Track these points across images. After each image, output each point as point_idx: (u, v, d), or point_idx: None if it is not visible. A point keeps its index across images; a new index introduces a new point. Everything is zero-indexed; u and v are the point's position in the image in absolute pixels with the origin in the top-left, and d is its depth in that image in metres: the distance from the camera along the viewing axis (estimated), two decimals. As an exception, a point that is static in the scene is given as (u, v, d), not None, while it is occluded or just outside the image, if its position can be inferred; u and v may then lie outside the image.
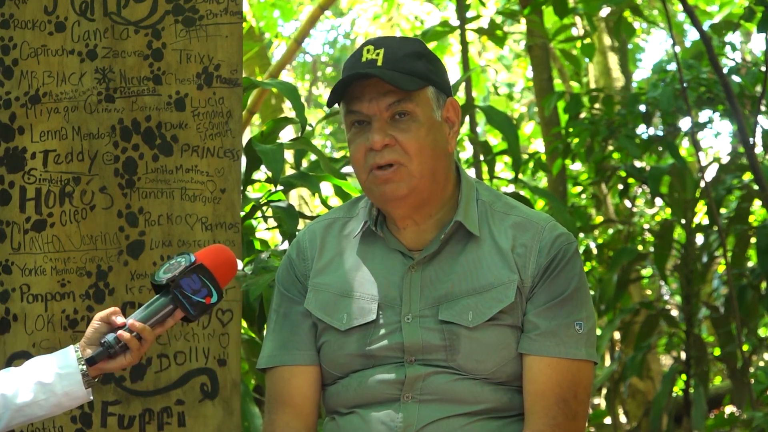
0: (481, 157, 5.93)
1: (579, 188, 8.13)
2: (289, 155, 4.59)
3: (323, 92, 15.37)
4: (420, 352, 2.56)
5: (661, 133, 6.78)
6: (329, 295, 2.65)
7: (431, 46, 7.17)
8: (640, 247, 7.07)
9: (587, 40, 6.97)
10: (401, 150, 2.55)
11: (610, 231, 7.65)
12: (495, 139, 11.10)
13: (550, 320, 2.56)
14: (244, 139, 3.96)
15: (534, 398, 2.55)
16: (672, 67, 6.89)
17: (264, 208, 4.27)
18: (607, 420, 8.28)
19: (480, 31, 6.77)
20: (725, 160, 7.05)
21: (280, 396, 2.66)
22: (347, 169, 4.55)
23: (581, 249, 6.97)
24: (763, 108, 6.33)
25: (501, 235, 2.61)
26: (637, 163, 6.77)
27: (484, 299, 2.56)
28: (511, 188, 6.00)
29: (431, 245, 2.61)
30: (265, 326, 3.14)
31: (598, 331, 6.50)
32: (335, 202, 5.25)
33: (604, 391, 8.06)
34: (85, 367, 2.46)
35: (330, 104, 2.62)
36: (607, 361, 8.51)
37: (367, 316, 2.60)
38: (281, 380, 2.67)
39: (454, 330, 2.55)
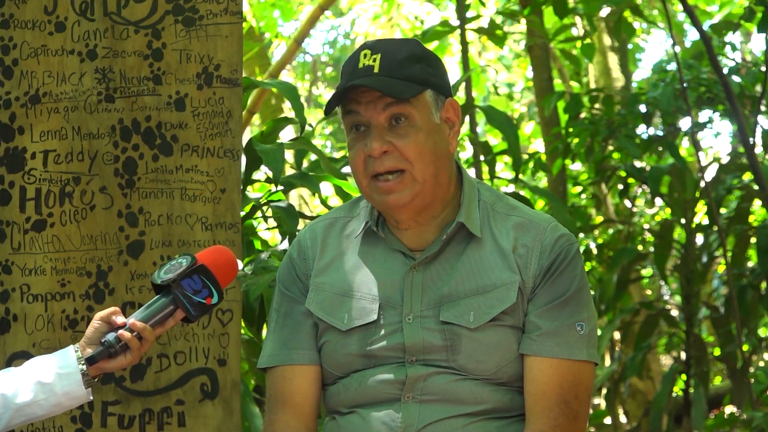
0: (481, 157, 5.93)
1: (579, 188, 8.12)
2: (289, 155, 4.59)
3: (323, 92, 15.36)
4: (421, 352, 2.56)
5: (661, 133, 6.78)
6: (330, 295, 2.64)
7: (431, 46, 7.17)
8: (640, 247, 7.07)
9: (587, 40, 6.97)
10: (400, 156, 2.55)
11: (610, 231, 7.65)
12: (495, 139, 11.11)
13: (552, 321, 2.56)
14: (244, 139, 3.96)
15: (535, 399, 2.55)
16: (672, 67, 6.89)
17: (264, 208, 4.27)
18: (607, 420, 8.28)
19: (480, 31, 6.77)
20: (725, 160, 7.05)
21: (281, 395, 2.66)
22: (347, 169, 4.54)
23: (581, 249, 6.96)
24: (763, 108, 6.33)
25: (502, 235, 2.61)
26: (637, 163, 6.76)
27: (485, 300, 2.56)
28: (511, 188, 6.00)
29: (433, 246, 2.61)
30: (265, 326, 3.14)
31: (599, 332, 6.49)
32: (335, 202, 5.25)
33: (604, 391, 8.06)
34: (84, 366, 2.45)
35: (328, 112, 2.61)
36: (607, 361, 8.50)
37: (368, 317, 2.59)
38: (282, 380, 2.66)
39: (456, 330, 2.55)
